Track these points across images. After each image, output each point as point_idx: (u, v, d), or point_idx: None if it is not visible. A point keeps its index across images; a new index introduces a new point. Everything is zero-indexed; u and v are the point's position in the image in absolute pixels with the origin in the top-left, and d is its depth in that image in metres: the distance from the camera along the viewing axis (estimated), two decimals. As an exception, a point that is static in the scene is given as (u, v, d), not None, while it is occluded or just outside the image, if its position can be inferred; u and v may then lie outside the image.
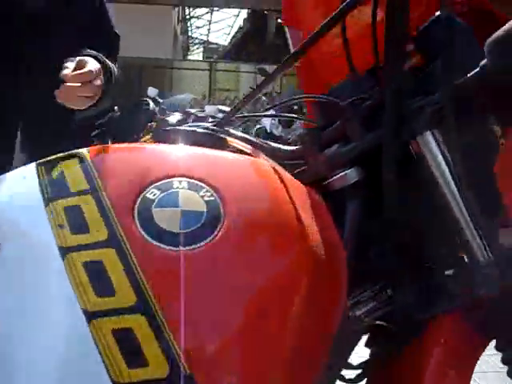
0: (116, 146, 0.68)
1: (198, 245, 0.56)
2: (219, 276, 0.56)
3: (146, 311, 0.53)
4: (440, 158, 0.67)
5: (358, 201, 0.71)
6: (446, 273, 0.72)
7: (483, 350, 0.70)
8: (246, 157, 0.69)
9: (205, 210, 0.58)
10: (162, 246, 0.56)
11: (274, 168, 0.69)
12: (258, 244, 0.59)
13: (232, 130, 0.89)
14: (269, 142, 0.89)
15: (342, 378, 0.73)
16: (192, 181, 0.61)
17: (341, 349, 0.67)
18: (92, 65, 1.04)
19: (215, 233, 0.57)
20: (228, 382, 0.54)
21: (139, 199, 0.59)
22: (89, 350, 0.52)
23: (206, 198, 0.59)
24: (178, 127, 0.76)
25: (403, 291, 0.70)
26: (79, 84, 1.00)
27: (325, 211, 0.69)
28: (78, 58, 1.05)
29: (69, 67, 1.02)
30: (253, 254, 0.58)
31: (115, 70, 1.25)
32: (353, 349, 0.72)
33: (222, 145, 0.75)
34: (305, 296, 0.59)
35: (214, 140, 0.75)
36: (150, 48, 9.50)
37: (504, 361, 0.69)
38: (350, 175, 0.72)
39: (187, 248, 0.56)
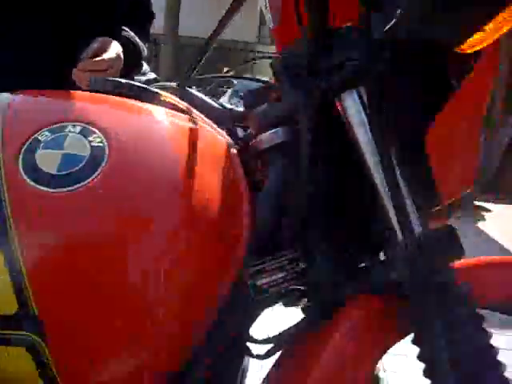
0: (35, 90, 0.68)
1: (72, 187, 0.55)
2: (86, 220, 0.55)
3: (5, 246, 0.53)
4: (362, 120, 0.61)
5: (281, 163, 0.67)
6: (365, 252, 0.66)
7: (398, 340, 0.64)
8: (156, 109, 0.67)
9: (87, 154, 0.57)
10: (37, 186, 0.55)
11: (192, 122, 0.66)
12: (134, 192, 0.56)
13: (192, 90, 0.87)
14: (224, 104, 0.86)
15: (250, 353, 0.69)
16: (86, 126, 0.59)
17: (239, 316, 0.64)
18: (111, 52, 1.04)
19: (92, 177, 0.56)
20: (77, 330, 0.53)
21: (29, 141, 0.58)
22: None
23: (94, 144, 0.58)
24: (110, 78, 0.75)
25: (316, 266, 0.65)
26: (88, 70, 1.01)
27: (237, 173, 0.65)
28: (101, 40, 1.05)
29: (89, 50, 1.03)
30: (127, 201, 0.56)
31: (145, 50, 1.26)
32: (254, 318, 0.68)
33: (154, 99, 0.73)
34: (181, 249, 0.56)
35: (146, 94, 0.73)
36: (234, 31, 9.57)
37: (419, 357, 0.62)
38: (274, 136, 0.67)
39: (58, 190, 0.55)
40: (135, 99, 0.71)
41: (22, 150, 0.58)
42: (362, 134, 0.61)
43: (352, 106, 0.61)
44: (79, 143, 0.58)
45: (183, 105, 0.74)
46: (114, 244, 0.55)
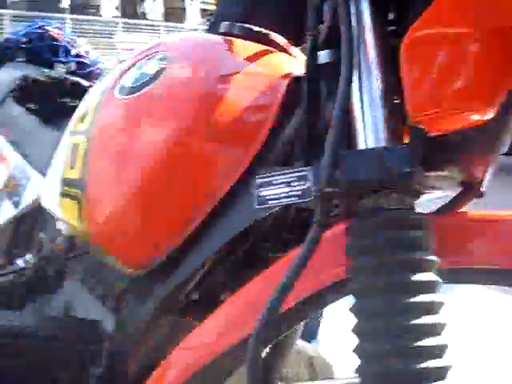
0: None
1: (136, 94, 0.75)
2: (139, 120, 0.76)
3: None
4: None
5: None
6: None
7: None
8: (247, 43, 0.77)
9: (153, 72, 0.76)
10: (119, 96, 0.78)
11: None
12: (170, 101, 0.74)
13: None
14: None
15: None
16: (166, 52, 0.78)
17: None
18: None
19: (151, 86, 0.74)
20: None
21: (134, 65, 0.80)
22: None
23: (162, 63, 0.76)
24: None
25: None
26: None
27: (272, 98, 0.72)
28: None
29: None
30: (164, 109, 0.74)
31: None
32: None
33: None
34: (193, 144, 0.72)
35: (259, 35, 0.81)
36: None
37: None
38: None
39: (129, 96, 0.77)
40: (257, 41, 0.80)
41: (124, 71, 0.80)
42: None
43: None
44: (152, 63, 0.77)
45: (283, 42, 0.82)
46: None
